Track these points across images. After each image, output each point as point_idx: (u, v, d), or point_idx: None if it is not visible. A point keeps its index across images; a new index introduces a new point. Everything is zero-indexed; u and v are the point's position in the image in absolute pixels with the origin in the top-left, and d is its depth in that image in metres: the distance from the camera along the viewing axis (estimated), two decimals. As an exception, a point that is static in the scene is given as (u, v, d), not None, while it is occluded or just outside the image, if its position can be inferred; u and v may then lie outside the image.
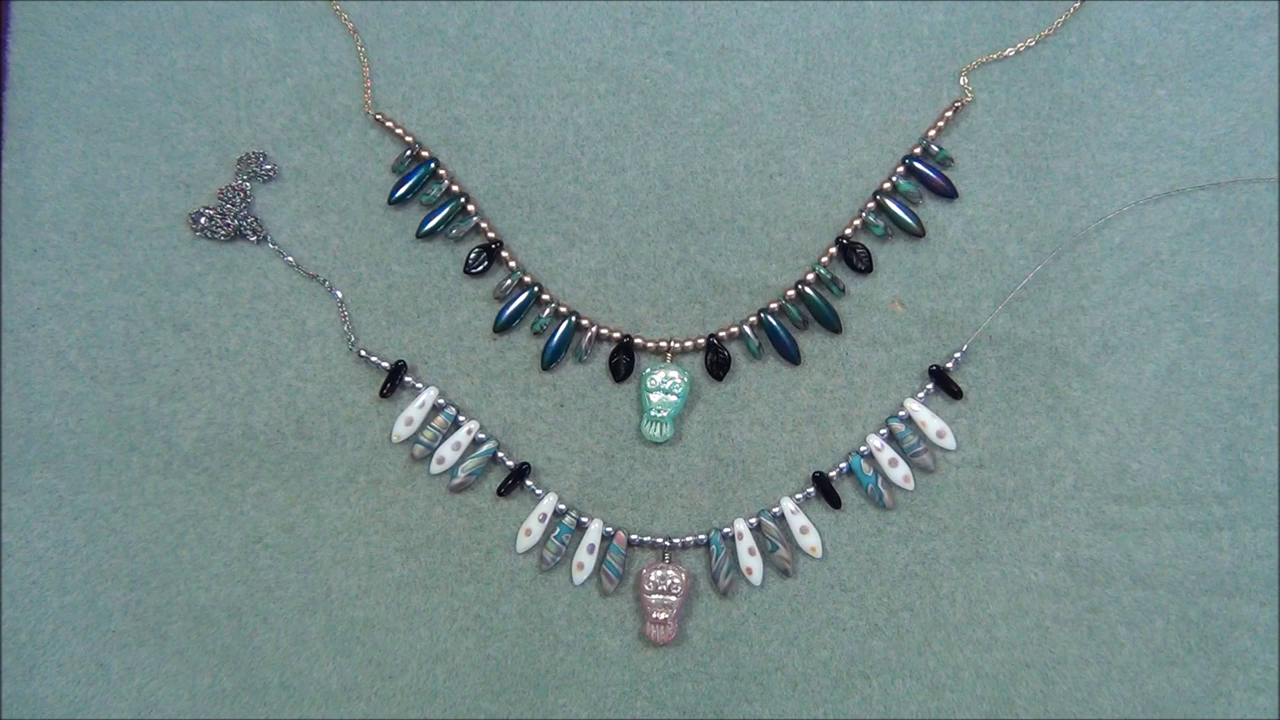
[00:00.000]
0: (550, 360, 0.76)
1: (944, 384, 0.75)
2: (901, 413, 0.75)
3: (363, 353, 0.76)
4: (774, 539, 0.74)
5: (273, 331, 0.76)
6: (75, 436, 0.75)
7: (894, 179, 0.77)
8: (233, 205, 0.77)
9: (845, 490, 0.75)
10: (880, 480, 0.74)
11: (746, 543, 0.74)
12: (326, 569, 0.74)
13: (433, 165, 0.78)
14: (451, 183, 0.78)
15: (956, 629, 0.73)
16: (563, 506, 0.75)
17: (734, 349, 0.77)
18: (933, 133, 0.78)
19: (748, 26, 0.80)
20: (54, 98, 0.78)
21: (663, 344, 0.76)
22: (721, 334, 0.76)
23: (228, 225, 0.77)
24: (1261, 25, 0.79)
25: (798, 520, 0.74)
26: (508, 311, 0.76)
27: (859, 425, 0.76)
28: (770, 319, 0.76)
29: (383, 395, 0.75)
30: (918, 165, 0.77)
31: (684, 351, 0.77)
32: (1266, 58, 0.78)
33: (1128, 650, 0.73)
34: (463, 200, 0.78)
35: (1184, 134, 0.78)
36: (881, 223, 0.77)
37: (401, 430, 0.75)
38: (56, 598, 0.74)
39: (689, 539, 0.74)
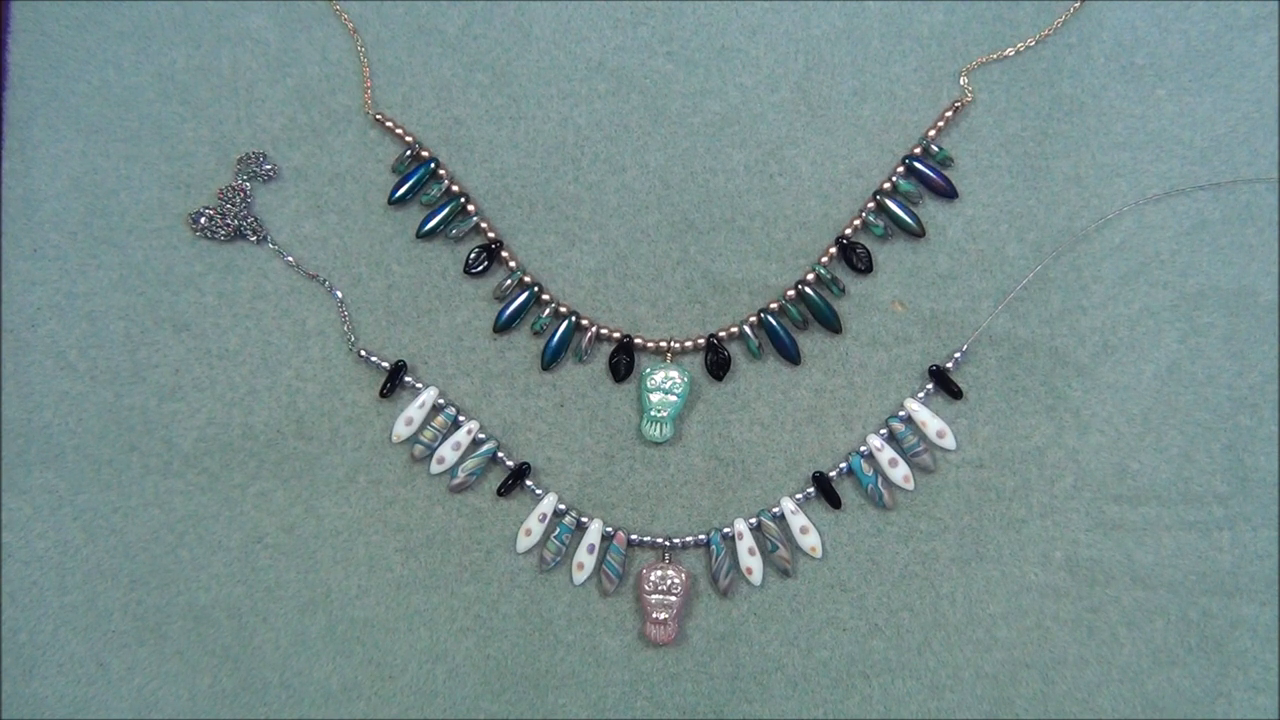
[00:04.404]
0: (550, 360, 0.76)
1: (944, 384, 0.75)
2: (901, 413, 0.75)
3: (363, 353, 0.76)
4: (774, 539, 0.74)
5: (273, 331, 0.76)
6: (75, 436, 0.75)
7: (894, 179, 0.77)
8: (233, 205, 0.77)
9: (845, 490, 0.75)
10: (880, 480, 0.74)
11: (746, 543, 0.74)
12: (326, 569, 0.74)
13: (433, 165, 0.78)
14: (451, 183, 0.78)
15: (956, 629, 0.73)
16: (563, 506, 0.75)
17: (734, 349, 0.77)
18: (933, 133, 0.78)
19: (748, 26, 0.80)
20: (54, 98, 0.78)
21: (663, 344, 0.76)
22: (721, 334, 0.76)
23: (228, 225, 0.77)
24: (1261, 25, 0.79)
25: (798, 520, 0.74)
26: (508, 311, 0.76)
27: (859, 425, 0.76)
28: (770, 319, 0.76)
29: (383, 395, 0.75)
30: (918, 165, 0.77)
31: (684, 351, 0.77)
32: (1266, 58, 0.78)
33: (1128, 650, 0.73)
34: (463, 200, 0.78)
35: (1184, 134, 0.78)
36: (881, 223, 0.77)
37: (401, 430, 0.75)
38: (56, 598, 0.74)
39: (689, 539, 0.74)
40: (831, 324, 0.76)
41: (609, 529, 0.75)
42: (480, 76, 0.79)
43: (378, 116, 0.78)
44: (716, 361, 0.76)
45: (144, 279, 0.76)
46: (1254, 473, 0.74)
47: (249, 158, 0.77)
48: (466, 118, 0.79)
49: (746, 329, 0.76)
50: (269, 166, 0.78)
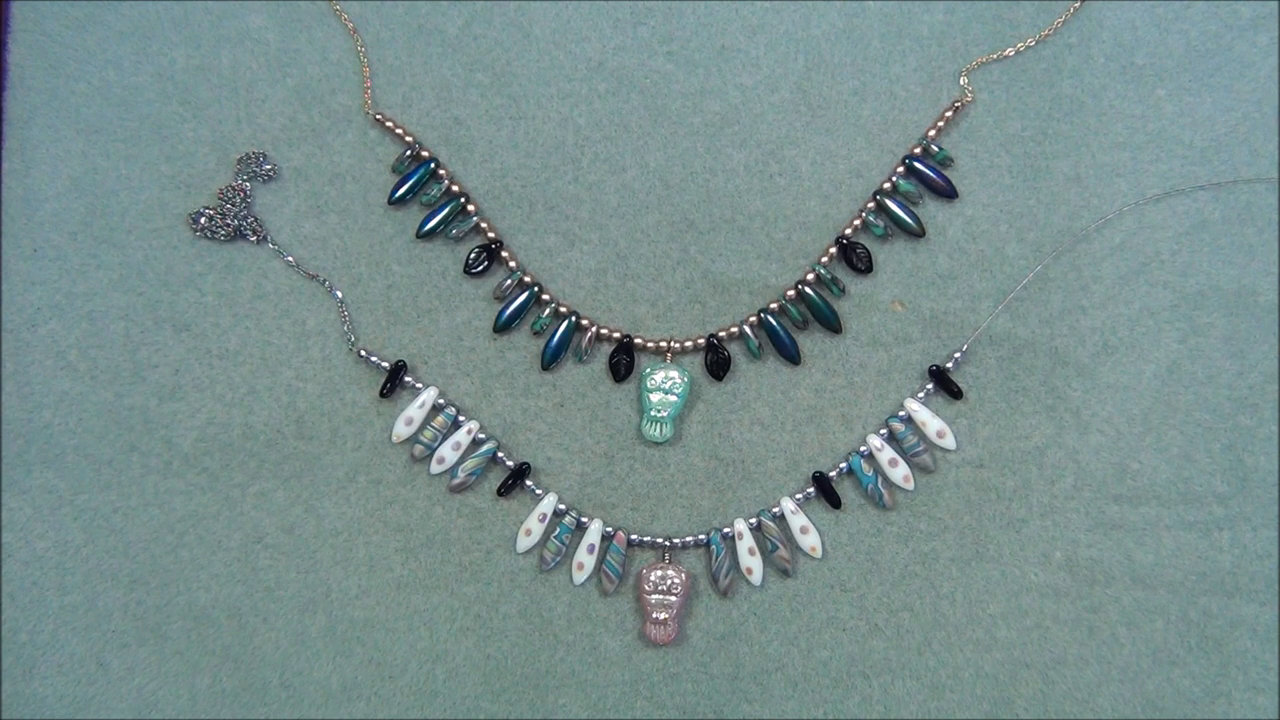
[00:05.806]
0: (550, 360, 0.76)
1: (944, 384, 0.75)
2: (901, 413, 0.75)
3: (363, 353, 0.76)
4: (774, 539, 0.74)
5: (273, 331, 0.76)
6: (75, 436, 0.75)
7: (894, 179, 0.77)
8: (233, 205, 0.77)
9: (845, 490, 0.75)
10: (880, 480, 0.74)
11: (746, 543, 0.74)
12: (326, 569, 0.74)
13: (433, 165, 0.78)
14: (451, 183, 0.78)
15: (956, 629, 0.73)
16: (563, 506, 0.75)
17: (734, 349, 0.77)
18: (933, 133, 0.78)
19: (748, 26, 0.80)
20: (54, 98, 0.78)
21: (663, 344, 0.76)
22: (721, 334, 0.76)
23: (228, 225, 0.77)
24: (1261, 25, 0.79)
25: (798, 520, 0.74)
26: (508, 311, 0.76)
27: (859, 425, 0.76)
28: (770, 319, 0.76)
29: (383, 395, 0.75)
30: (918, 165, 0.77)
31: (684, 351, 0.77)
32: (1266, 58, 0.78)
33: (1128, 650, 0.73)
34: (463, 200, 0.78)
35: (1184, 134, 0.78)
36: (881, 223, 0.77)
37: (401, 430, 0.75)
38: (56, 598, 0.74)
39: (689, 539, 0.74)
40: (831, 324, 0.76)
41: (609, 529, 0.75)
42: (480, 76, 0.79)
43: (378, 116, 0.78)
44: (716, 361, 0.76)
45: (144, 279, 0.76)
46: (1254, 473, 0.74)
47: (249, 158, 0.78)
48: (466, 118, 0.79)
49: (746, 329, 0.76)
50: (269, 166, 0.78)
